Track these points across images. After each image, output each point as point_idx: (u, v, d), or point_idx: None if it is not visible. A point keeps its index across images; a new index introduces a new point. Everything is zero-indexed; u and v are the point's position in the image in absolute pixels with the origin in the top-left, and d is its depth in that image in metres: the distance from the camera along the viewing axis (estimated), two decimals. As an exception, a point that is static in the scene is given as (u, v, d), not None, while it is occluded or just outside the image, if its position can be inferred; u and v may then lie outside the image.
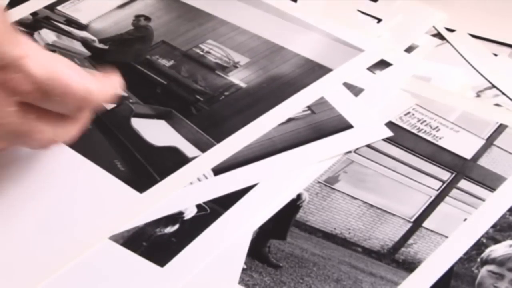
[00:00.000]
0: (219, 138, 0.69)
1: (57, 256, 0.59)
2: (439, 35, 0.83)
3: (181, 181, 0.65)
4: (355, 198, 0.65)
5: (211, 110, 0.73)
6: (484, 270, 0.59)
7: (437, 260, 0.60)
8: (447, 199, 0.65)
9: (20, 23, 0.81)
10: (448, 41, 0.82)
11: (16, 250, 0.59)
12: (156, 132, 0.70)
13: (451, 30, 0.83)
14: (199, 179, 0.65)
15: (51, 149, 0.63)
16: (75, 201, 0.63)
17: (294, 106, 0.72)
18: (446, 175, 0.67)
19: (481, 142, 0.70)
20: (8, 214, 0.62)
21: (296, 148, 0.68)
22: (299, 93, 0.74)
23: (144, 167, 0.67)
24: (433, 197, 0.65)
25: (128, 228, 0.61)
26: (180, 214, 0.63)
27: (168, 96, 0.75)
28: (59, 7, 0.85)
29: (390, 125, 0.71)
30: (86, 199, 0.64)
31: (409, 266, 0.60)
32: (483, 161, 0.68)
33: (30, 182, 0.65)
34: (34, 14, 0.83)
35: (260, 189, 0.65)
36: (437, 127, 0.72)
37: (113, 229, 0.61)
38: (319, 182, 0.66)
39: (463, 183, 0.66)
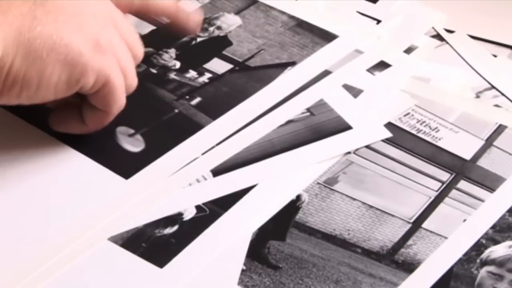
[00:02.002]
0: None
1: (57, 257, 0.59)
2: (438, 36, 0.83)
3: (181, 182, 0.65)
4: (354, 199, 0.65)
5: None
6: (483, 271, 0.59)
7: (437, 261, 0.60)
8: (446, 200, 0.65)
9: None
10: (447, 42, 0.82)
11: (15, 251, 0.59)
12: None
13: (451, 31, 0.83)
14: (198, 180, 0.65)
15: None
16: (73, 200, 0.64)
17: (293, 108, 0.72)
18: (445, 176, 0.67)
19: (480, 143, 0.70)
20: (7, 212, 0.62)
21: (295, 149, 0.68)
22: (299, 95, 0.74)
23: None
24: (432, 198, 0.65)
25: (127, 229, 0.61)
26: (179, 215, 0.62)
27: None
28: None
29: (389, 126, 0.71)
30: (86, 198, 0.64)
31: (409, 267, 0.60)
32: (482, 162, 0.68)
33: (28, 181, 0.65)
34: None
35: (259, 190, 0.65)
36: (436, 127, 0.72)
37: (114, 230, 0.61)
38: (318, 183, 0.66)
39: (463, 184, 0.66)
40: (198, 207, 0.63)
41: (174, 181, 0.65)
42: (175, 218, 0.62)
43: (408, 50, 0.80)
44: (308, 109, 0.72)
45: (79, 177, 0.66)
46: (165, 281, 0.58)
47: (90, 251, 0.59)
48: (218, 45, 0.80)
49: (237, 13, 0.84)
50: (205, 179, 0.65)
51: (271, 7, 0.84)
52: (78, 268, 0.58)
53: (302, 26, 0.82)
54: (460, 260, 0.60)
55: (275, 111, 0.72)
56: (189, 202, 0.63)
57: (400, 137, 0.70)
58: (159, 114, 0.72)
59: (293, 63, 0.77)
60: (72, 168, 0.66)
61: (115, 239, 0.60)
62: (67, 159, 0.67)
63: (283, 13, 0.84)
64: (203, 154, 0.67)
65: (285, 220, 0.63)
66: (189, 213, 0.63)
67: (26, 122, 0.70)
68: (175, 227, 0.62)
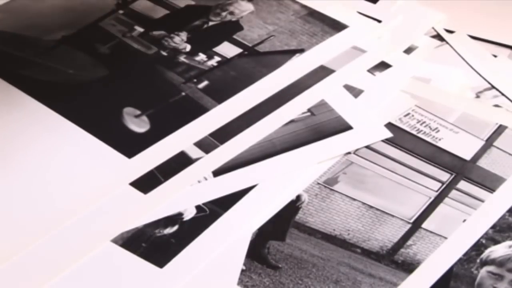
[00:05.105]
0: (222, 140, 0.69)
1: (59, 258, 0.59)
2: (438, 36, 0.83)
3: (185, 182, 0.65)
4: (354, 199, 0.65)
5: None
6: (483, 271, 0.59)
7: (437, 261, 0.60)
8: (446, 200, 0.65)
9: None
10: (447, 42, 0.82)
11: (16, 252, 0.59)
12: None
13: (451, 31, 0.83)
14: (198, 181, 0.65)
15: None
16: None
17: (295, 108, 0.72)
18: (445, 176, 0.67)
19: (480, 143, 0.70)
20: (10, 216, 0.62)
21: (296, 150, 0.68)
22: (300, 95, 0.74)
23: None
24: (432, 198, 0.65)
25: (127, 229, 0.61)
26: (179, 215, 0.63)
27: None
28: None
29: (390, 126, 0.71)
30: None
31: (408, 267, 0.60)
32: (482, 162, 0.68)
33: (35, 186, 0.65)
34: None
35: (259, 190, 0.65)
36: (436, 128, 0.72)
37: (117, 231, 0.61)
38: (318, 183, 0.66)
39: (463, 184, 0.66)
40: (198, 207, 0.63)
41: (176, 182, 0.65)
42: (175, 218, 0.62)
43: (408, 50, 0.80)
44: (308, 109, 0.72)
45: (81, 154, 0.66)
46: (165, 281, 0.58)
47: (90, 252, 0.59)
48: (229, 29, 0.81)
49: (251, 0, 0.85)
50: (206, 179, 0.66)
51: None
52: (79, 269, 0.58)
53: (314, 15, 0.83)
54: (460, 260, 0.60)
55: (278, 111, 0.72)
56: (189, 202, 0.63)
57: (400, 137, 0.70)
58: (166, 97, 0.73)
59: (301, 50, 0.78)
60: (75, 146, 0.67)
61: (115, 239, 0.60)
62: (70, 135, 0.67)
63: (295, 2, 0.85)
64: (207, 153, 0.68)
65: (285, 220, 0.63)
66: (189, 213, 0.63)
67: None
68: (175, 227, 0.62)
